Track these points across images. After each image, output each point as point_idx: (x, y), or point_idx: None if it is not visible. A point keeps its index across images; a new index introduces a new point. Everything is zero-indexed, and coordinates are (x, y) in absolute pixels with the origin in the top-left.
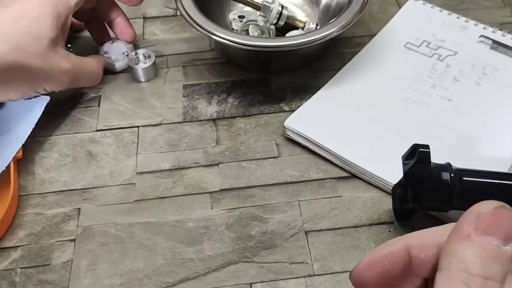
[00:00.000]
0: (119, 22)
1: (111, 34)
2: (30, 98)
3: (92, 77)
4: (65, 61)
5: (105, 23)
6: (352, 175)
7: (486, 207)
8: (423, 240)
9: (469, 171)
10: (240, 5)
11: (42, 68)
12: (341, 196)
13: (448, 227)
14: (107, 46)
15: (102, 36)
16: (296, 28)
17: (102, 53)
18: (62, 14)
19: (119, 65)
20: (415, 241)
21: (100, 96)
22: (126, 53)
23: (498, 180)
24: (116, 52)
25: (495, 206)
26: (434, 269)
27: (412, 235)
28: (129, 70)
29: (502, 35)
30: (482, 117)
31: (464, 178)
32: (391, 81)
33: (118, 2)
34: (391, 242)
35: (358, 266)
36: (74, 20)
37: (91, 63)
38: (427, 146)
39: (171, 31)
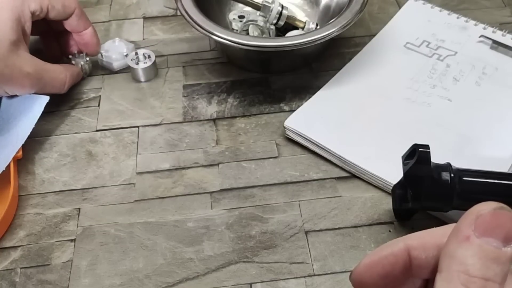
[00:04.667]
0: (86, 33)
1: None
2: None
3: (57, 84)
4: (27, 64)
5: (58, 38)
6: (352, 175)
7: (485, 208)
8: (423, 241)
9: (469, 171)
10: (240, 5)
11: (2, 71)
12: (341, 196)
13: (448, 228)
14: (107, 46)
15: (54, 51)
16: (296, 28)
17: (102, 51)
18: (21, 19)
19: (117, 64)
20: (415, 242)
21: (100, 96)
22: (125, 54)
23: (498, 180)
24: (116, 51)
25: (494, 207)
26: (435, 270)
27: (412, 236)
28: (129, 70)
29: (502, 35)
30: (482, 117)
31: (464, 178)
32: (391, 81)
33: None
34: (391, 243)
35: (358, 267)
36: None
37: (57, 70)
38: (427, 146)
39: (171, 31)
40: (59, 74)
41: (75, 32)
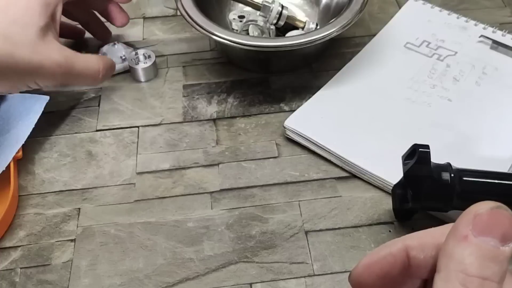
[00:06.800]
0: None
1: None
2: (30, 92)
3: (91, 74)
4: (56, 52)
5: (102, 20)
6: (352, 175)
7: (482, 208)
8: (422, 241)
9: (469, 171)
10: (240, 5)
11: (30, 58)
12: (341, 196)
13: (446, 228)
14: (106, 48)
15: (104, 34)
16: (296, 28)
17: (101, 54)
18: (51, 3)
19: (116, 68)
20: (413, 242)
21: (100, 96)
22: (123, 57)
23: (498, 180)
24: (115, 55)
25: (491, 207)
26: (433, 270)
27: (410, 236)
28: (129, 70)
29: (502, 35)
30: (482, 117)
31: (464, 178)
32: (391, 81)
33: None
34: (390, 244)
35: (356, 268)
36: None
37: (90, 60)
38: (427, 146)
39: (171, 31)
40: (93, 64)
41: None
